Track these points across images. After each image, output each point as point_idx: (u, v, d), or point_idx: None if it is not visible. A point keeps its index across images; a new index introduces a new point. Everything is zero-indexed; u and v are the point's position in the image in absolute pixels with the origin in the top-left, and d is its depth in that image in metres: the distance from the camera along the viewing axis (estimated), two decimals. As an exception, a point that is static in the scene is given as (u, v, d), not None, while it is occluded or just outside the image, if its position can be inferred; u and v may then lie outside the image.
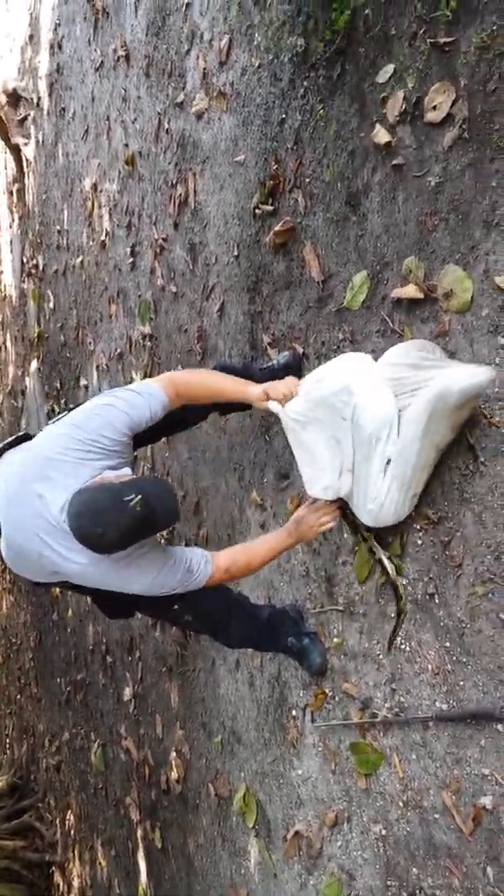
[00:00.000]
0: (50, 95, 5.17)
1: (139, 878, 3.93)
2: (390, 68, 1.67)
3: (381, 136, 1.70)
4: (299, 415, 1.71)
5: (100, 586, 1.66)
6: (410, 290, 1.64)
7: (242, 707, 2.60)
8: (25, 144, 5.81)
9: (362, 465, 1.62)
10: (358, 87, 1.79)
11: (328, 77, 1.89)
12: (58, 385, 5.28)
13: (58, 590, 5.05)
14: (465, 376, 1.41)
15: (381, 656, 1.80)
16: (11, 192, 6.59)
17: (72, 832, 5.61)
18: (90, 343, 4.42)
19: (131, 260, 3.57)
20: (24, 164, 5.93)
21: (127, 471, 1.59)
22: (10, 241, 6.76)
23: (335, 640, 1.99)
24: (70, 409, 1.73)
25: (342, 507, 1.79)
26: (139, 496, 1.45)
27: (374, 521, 1.66)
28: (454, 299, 1.52)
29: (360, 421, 1.57)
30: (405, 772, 1.71)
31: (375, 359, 1.66)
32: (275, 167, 2.19)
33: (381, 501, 1.60)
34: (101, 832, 4.76)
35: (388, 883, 1.77)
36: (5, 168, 6.88)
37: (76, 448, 1.58)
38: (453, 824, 1.56)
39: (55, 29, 4.94)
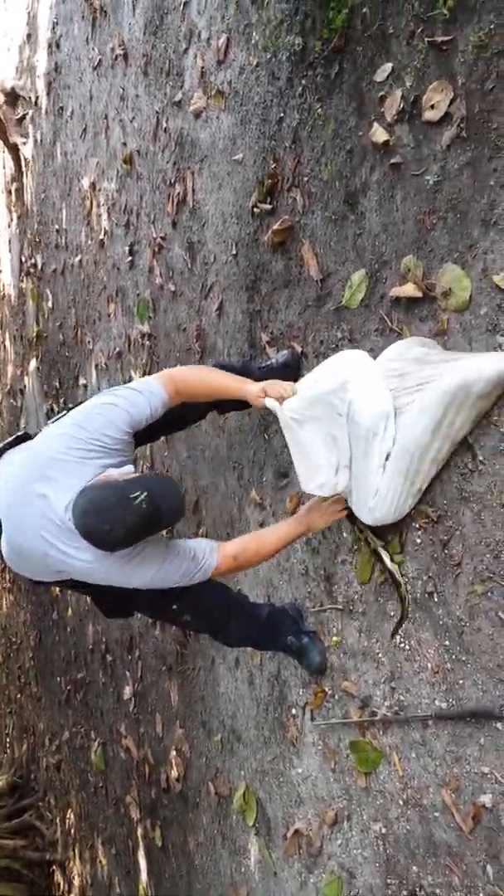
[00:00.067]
0: (48, 94, 5.16)
1: (139, 876, 3.93)
2: (388, 67, 1.67)
3: (379, 134, 1.70)
4: (297, 412, 1.71)
5: (104, 583, 1.67)
6: (409, 289, 1.64)
7: (242, 705, 2.60)
8: (24, 143, 5.80)
9: (360, 461, 1.62)
10: (356, 86, 1.79)
11: (326, 76, 1.89)
12: (57, 384, 5.27)
13: (57, 589, 5.06)
14: (493, 363, 1.38)
15: (380, 654, 1.81)
16: (10, 192, 6.58)
17: (72, 831, 5.61)
18: (89, 342, 4.41)
19: (130, 259, 3.57)
20: (23, 163, 5.93)
21: (130, 468, 1.59)
22: (9, 241, 6.75)
23: (334, 638, 1.99)
24: (69, 409, 1.73)
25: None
26: (145, 493, 1.45)
27: (373, 519, 1.65)
28: (452, 298, 1.52)
29: (356, 417, 1.57)
30: (405, 770, 1.71)
31: (374, 357, 1.66)
32: (273, 166, 2.18)
33: (383, 496, 1.60)
34: (101, 831, 4.77)
35: (388, 881, 1.78)
36: (3, 167, 6.87)
37: (78, 447, 1.58)
38: (453, 822, 1.56)
39: (53, 28, 4.94)
